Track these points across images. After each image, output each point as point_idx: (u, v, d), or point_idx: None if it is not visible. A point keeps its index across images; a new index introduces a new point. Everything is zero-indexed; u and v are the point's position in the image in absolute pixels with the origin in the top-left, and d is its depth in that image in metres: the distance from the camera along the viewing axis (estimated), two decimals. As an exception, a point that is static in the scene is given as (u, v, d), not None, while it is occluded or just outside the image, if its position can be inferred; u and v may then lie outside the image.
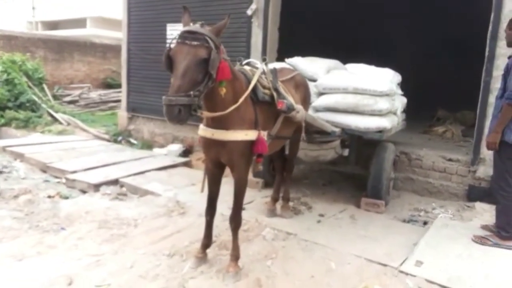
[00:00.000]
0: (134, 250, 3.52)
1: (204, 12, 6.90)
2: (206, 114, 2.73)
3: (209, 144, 2.97)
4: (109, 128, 9.23)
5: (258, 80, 3.03)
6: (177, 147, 7.30)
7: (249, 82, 2.98)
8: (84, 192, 5.13)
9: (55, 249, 3.51)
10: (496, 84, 4.65)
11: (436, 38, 10.19)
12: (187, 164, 6.52)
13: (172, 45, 2.54)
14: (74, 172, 5.54)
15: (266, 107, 3.12)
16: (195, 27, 2.58)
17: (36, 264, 3.24)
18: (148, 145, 7.95)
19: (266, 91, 3.11)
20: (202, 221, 4.16)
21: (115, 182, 5.34)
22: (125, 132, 8.49)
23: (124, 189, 5.26)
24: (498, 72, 4.63)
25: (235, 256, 3.13)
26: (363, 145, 5.08)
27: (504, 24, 4.50)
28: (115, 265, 3.24)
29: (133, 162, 6.28)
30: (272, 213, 4.25)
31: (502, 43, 4.55)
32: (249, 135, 2.91)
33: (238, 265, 3.12)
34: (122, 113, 8.66)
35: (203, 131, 2.93)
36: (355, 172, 5.08)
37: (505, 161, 3.51)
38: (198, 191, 4.96)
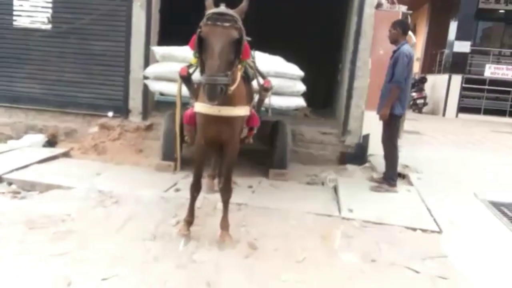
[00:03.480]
0: (100, 242, 3.22)
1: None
2: (230, 89, 2.75)
3: (210, 122, 3.00)
4: None
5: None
6: (39, 138, 6.29)
7: None
8: (-42, 194, 4.08)
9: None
10: (359, 72, 6.02)
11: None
12: (66, 155, 5.79)
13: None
14: None
15: (249, 86, 3.37)
16: (224, 9, 2.66)
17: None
18: (-13, 138, 6.53)
19: (252, 71, 3.36)
20: (144, 207, 4.10)
21: (-4, 179, 4.42)
22: (-51, 123, 6.70)
23: (13, 186, 4.42)
24: (360, 63, 5.97)
25: (227, 226, 3.32)
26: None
27: (364, 25, 5.86)
28: (99, 258, 2.94)
29: (-4, 157, 5.21)
30: (211, 189, 4.42)
31: (363, 40, 5.89)
32: (247, 110, 3.13)
33: (230, 234, 3.31)
34: None
35: (208, 108, 2.89)
36: (256, 147, 5.66)
37: (392, 129, 4.74)
38: (114, 179, 4.75)
